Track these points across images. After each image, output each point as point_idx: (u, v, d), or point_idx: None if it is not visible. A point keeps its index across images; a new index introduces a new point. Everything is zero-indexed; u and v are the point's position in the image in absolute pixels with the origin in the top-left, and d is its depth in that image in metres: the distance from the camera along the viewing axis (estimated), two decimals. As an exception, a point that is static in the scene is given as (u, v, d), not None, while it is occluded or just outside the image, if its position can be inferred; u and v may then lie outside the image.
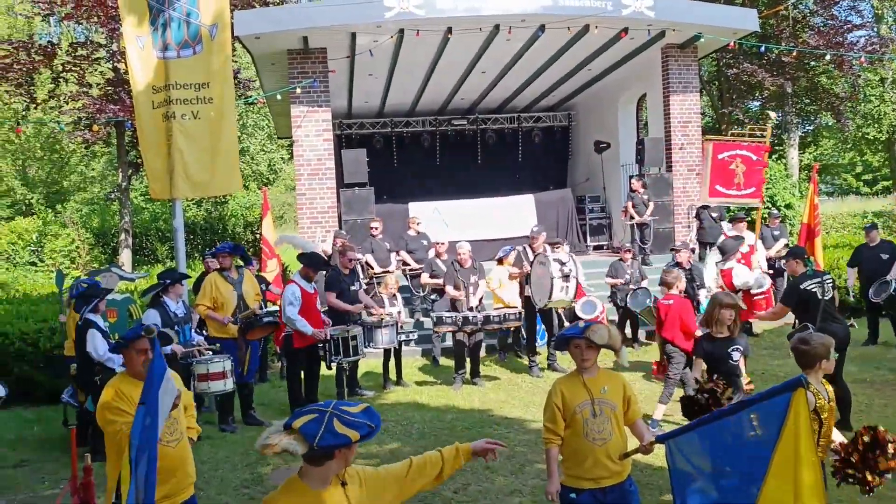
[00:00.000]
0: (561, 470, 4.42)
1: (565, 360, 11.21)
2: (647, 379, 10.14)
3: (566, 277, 9.71)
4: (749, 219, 13.13)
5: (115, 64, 19.11)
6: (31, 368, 10.15)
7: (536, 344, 10.87)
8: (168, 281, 7.96)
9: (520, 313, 10.27)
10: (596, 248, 17.46)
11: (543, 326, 11.11)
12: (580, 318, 10.41)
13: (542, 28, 13.42)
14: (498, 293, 10.65)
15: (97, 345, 7.26)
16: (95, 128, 17.26)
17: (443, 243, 11.43)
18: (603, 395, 4.31)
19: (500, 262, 11.06)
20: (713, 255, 11.49)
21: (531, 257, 10.62)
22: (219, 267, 9.09)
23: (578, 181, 19.67)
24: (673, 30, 14.37)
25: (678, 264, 10.34)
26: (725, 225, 13.38)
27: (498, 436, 7.93)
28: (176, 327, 7.77)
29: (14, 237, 21.82)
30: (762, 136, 13.42)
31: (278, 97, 14.51)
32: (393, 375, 10.58)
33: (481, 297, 10.51)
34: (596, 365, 4.38)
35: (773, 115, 14.98)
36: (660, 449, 3.87)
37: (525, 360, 11.28)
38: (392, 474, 3.21)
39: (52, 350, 10.25)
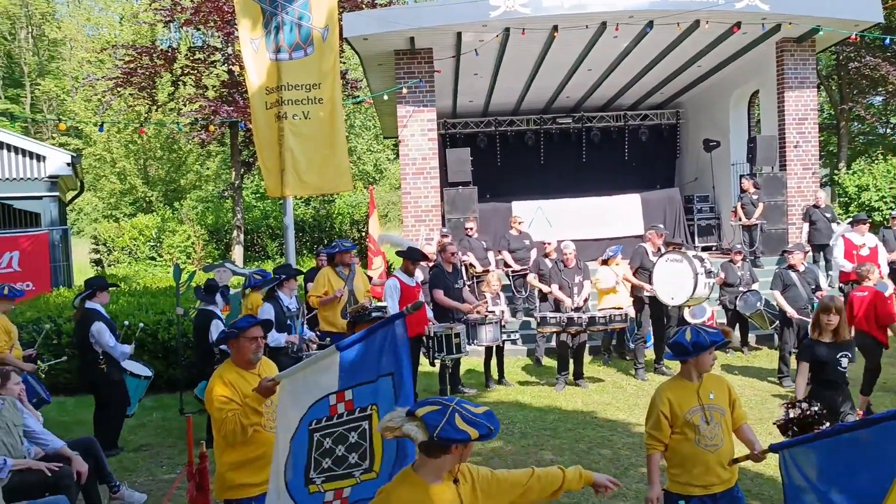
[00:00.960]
0: (666, 476, 4.34)
1: (672, 364, 10.98)
2: (761, 379, 9.85)
3: (709, 273, 9.57)
4: (871, 220, 12.52)
5: (230, 67, 19.83)
6: (151, 358, 10.64)
7: (644, 346, 10.66)
8: (284, 276, 8.20)
9: (625, 315, 10.11)
10: (704, 248, 16.96)
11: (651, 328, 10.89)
12: (688, 323, 10.19)
13: (650, 24, 13.15)
14: (605, 294, 10.53)
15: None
16: (211, 128, 17.96)
17: (550, 243, 11.35)
18: (711, 400, 4.20)
19: (606, 262, 10.93)
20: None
21: (651, 256, 10.44)
22: (333, 262, 9.28)
23: (686, 180, 19.19)
24: (789, 23, 13.81)
25: (791, 266, 9.95)
26: (841, 227, 12.81)
27: (601, 438, 7.85)
28: (289, 321, 8.01)
29: (135, 233, 22.92)
30: None
31: (385, 97, 14.73)
32: (495, 374, 10.58)
33: (586, 298, 10.39)
34: None
35: None
36: (771, 458, 3.75)
37: (631, 362, 11.10)
38: (511, 480, 3.19)
39: (169, 341, 10.74)
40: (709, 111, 18.51)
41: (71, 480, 5.66)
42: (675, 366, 10.46)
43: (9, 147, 16.24)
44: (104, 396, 8.14)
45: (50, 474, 5.55)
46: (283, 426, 3.89)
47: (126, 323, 10.06)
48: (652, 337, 10.74)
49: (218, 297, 8.44)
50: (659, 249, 10.54)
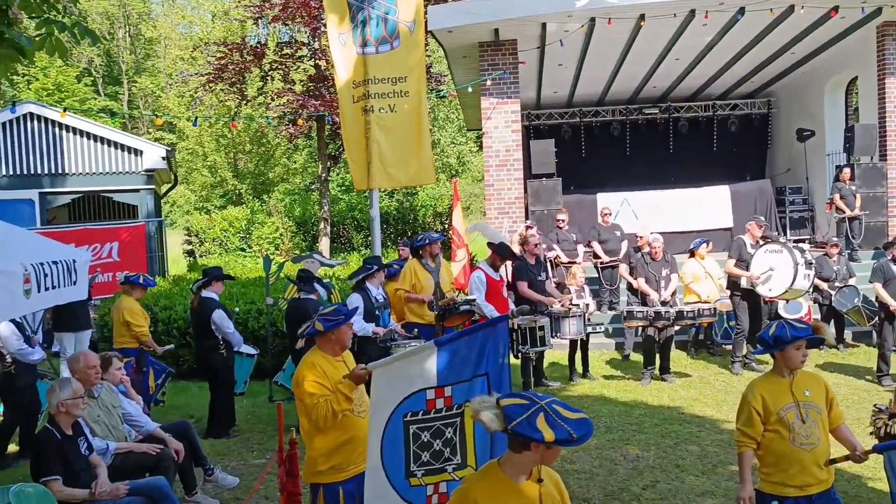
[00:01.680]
0: (758, 475, 4.23)
1: (762, 359, 10.70)
2: (858, 377, 9.50)
3: (809, 265, 9.31)
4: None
5: (317, 61, 20.16)
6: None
7: (744, 339, 10.39)
8: (374, 267, 8.34)
9: (713, 309, 9.89)
10: (797, 241, 16.43)
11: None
12: (782, 318, 9.89)
13: (741, 11, 12.77)
14: (693, 287, 10.31)
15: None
16: (299, 122, 18.30)
17: (643, 236, 11.18)
18: (807, 397, 4.07)
19: (693, 254, 10.72)
20: None
21: (749, 248, 10.18)
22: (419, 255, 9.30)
23: (778, 171, 18.59)
24: (891, 6, 13.20)
25: (894, 259, 9.54)
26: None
27: (688, 434, 7.72)
28: (377, 311, 8.13)
29: (226, 224, 23.56)
30: None
31: (469, 90, 14.76)
32: (579, 368, 10.51)
33: (674, 292, 10.20)
34: None
35: None
36: (871, 460, 3.61)
37: (719, 358, 10.86)
38: None
39: (259, 330, 11.03)
40: (802, 100, 17.88)
41: (170, 462, 5.89)
42: (765, 361, 10.24)
43: (109, 142, 16.93)
44: (221, 381, 8.54)
45: (154, 454, 5.82)
46: (377, 417, 3.98)
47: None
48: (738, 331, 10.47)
49: (319, 287, 8.68)
50: (758, 241, 10.27)
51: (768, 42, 14.86)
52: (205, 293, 8.45)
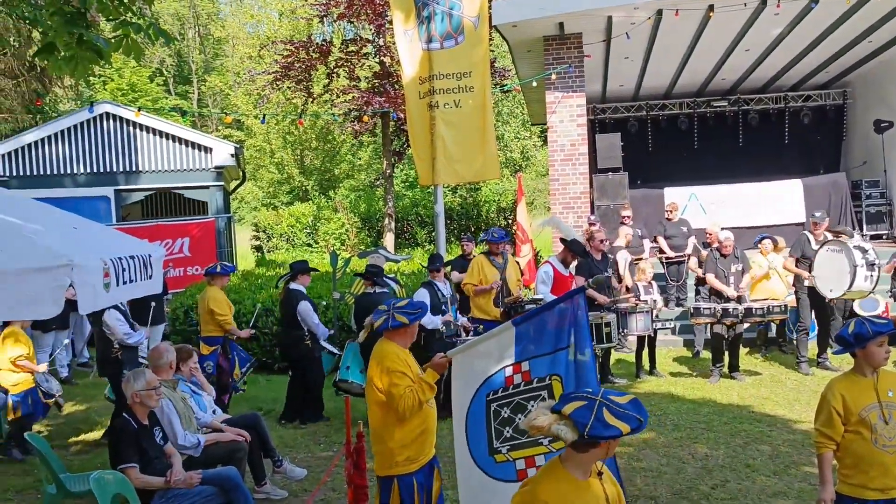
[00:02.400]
0: (838, 477, 4.11)
1: (835, 359, 10.41)
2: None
3: (871, 266, 9.02)
4: None
5: (381, 58, 20.29)
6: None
7: (807, 338, 10.14)
8: (440, 264, 8.47)
9: (785, 306, 9.64)
10: (873, 237, 15.91)
11: (815, 320, 10.33)
12: (857, 315, 9.60)
13: (815, 0, 12.40)
14: (761, 283, 10.08)
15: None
16: (365, 118, 18.44)
17: (713, 232, 10.97)
18: (891, 398, 3.93)
19: (775, 245, 10.51)
20: None
21: (814, 245, 9.92)
22: (486, 251, 9.25)
23: (854, 164, 17.98)
24: (976, -9, 12.67)
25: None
26: None
27: (759, 433, 7.56)
28: (443, 306, 8.18)
29: (293, 220, 23.93)
30: None
31: (534, 84, 14.66)
32: (646, 364, 10.38)
33: (743, 288, 9.98)
34: None
35: None
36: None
37: (790, 356, 10.59)
38: None
39: (325, 324, 11.17)
40: (880, 90, 17.26)
41: (243, 453, 6.03)
42: (839, 361, 9.95)
43: (180, 140, 17.35)
44: (305, 371, 8.82)
45: (241, 440, 6.06)
46: (459, 401, 4.05)
47: (258, 307, 10.62)
48: (816, 328, 10.20)
49: (392, 283, 8.81)
50: (824, 238, 9.99)
51: (844, 30, 14.38)
52: (292, 285, 8.82)
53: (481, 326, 8.47)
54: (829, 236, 10.14)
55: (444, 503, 4.77)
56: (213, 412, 6.56)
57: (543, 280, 8.81)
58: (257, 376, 11.15)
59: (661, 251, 12.45)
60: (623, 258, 10.98)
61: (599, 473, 2.91)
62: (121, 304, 8.14)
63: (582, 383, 3.83)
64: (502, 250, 8.90)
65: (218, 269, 9.16)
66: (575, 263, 9.99)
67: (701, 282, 10.70)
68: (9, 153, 16.65)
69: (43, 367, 8.24)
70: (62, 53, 5.86)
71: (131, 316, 10.36)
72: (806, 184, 15.69)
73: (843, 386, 4.04)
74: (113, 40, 5.91)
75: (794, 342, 10.44)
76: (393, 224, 21.33)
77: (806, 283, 9.91)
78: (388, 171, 21.37)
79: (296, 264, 9.16)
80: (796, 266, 10.13)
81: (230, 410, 8.83)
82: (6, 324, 8.14)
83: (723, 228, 10.48)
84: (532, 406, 3.90)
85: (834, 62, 16.73)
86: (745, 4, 12.62)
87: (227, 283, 12.52)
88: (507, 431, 3.96)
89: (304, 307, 8.64)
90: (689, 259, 11.86)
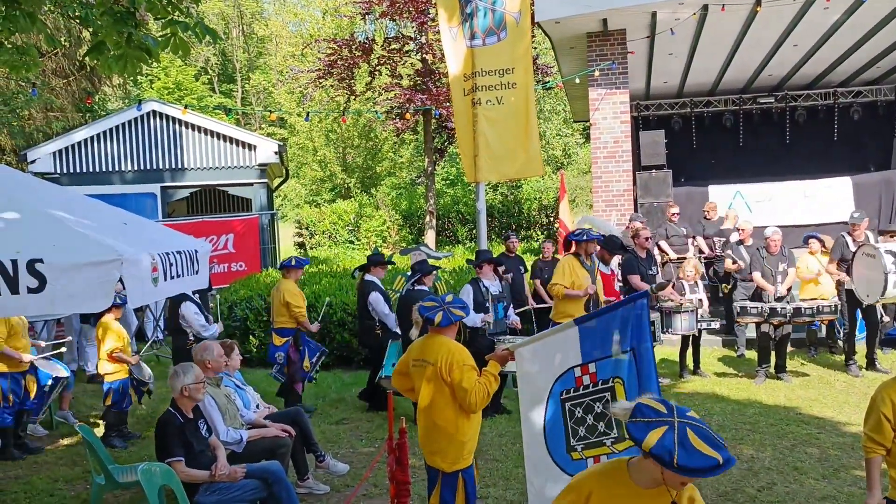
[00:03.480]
0: (888, 482, 4.01)
1: (886, 360, 10.19)
2: None
3: None
4: None
5: (423, 55, 20.33)
6: (350, 336, 11.18)
7: (855, 339, 9.92)
8: (487, 259, 8.58)
9: (835, 306, 9.44)
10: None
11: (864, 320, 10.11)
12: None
13: (866, -7, 12.14)
14: (808, 281, 9.90)
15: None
16: (407, 116, 18.50)
17: (744, 229, 10.82)
18: (942, 403, 3.83)
19: (823, 246, 10.31)
20: None
21: (852, 247, 9.72)
22: (575, 251, 8.65)
23: (905, 162, 17.60)
24: None
25: None
26: None
27: (807, 435, 7.42)
28: (486, 302, 8.16)
29: (335, 217, 24.12)
30: None
31: (577, 81, 14.57)
32: (690, 364, 10.25)
33: (790, 287, 9.81)
34: None
35: None
36: None
37: (839, 357, 10.38)
38: None
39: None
40: (933, 85, 16.86)
41: (287, 448, 6.09)
42: (889, 363, 9.73)
43: (225, 137, 17.57)
44: (372, 359, 9.10)
45: (285, 436, 6.14)
46: (528, 396, 4.16)
47: (328, 300, 10.71)
48: (865, 329, 9.97)
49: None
50: (866, 239, 9.75)
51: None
52: (367, 277, 9.09)
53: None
54: (872, 237, 9.92)
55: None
56: (257, 407, 6.63)
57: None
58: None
59: (700, 251, 12.28)
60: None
61: (673, 502, 2.66)
62: (196, 297, 8.47)
63: (644, 384, 3.88)
64: (592, 251, 8.46)
65: (293, 263, 9.30)
66: (617, 261, 9.92)
67: (724, 279, 10.62)
68: (59, 151, 17.02)
69: (135, 359, 8.51)
70: (112, 52, 5.96)
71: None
72: (856, 182, 15.37)
73: (893, 390, 3.94)
74: (161, 39, 5.99)
75: (843, 343, 10.23)
76: (434, 221, 21.37)
77: (846, 286, 9.71)
78: (430, 169, 21.41)
79: (372, 256, 9.41)
80: (837, 269, 9.94)
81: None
82: (101, 314, 8.41)
83: (756, 227, 10.32)
84: (598, 407, 4.01)
85: (885, 57, 16.33)
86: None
87: (269, 282, 12.69)
88: (581, 431, 4.07)
89: (375, 297, 8.87)
90: (725, 259, 11.69)
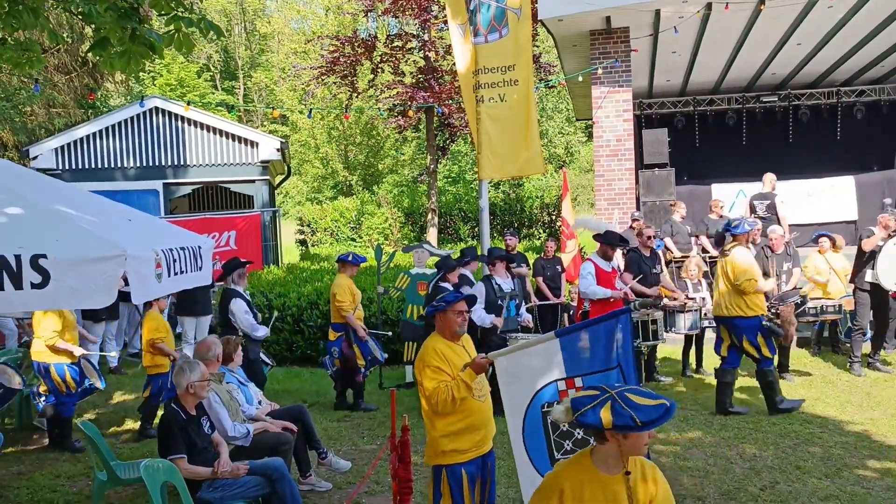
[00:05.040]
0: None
1: (887, 360, 10.17)
2: None
3: None
4: None
5: (426, 53, 20.28)
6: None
7: (863, 339, 9.89)
8: (497, 257, 8.52)
9: (839, 306, 9.42)
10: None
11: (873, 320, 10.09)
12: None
13: (871, -8, 12.12)
14: (817, 282, 9.88)
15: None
16: (409, 113, 18.43)
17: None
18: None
19: (833, 244, 10.29)
20: None
21: (880, 241, 9.68)
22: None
23: (909, 161, 17.57)
24: None
25: None
26: None
27: (809, 434, 7.41)
28: (500, 301, 8.13)
29: (337, 215, 24.06)
30: None
31: (580, 79, 14.57)
32: (693, 363, 10.23)
33: (795, 286, 9.78)
34: None
35: None
36: None
37: (842, 356, 10.36)
38: None
39: (370, 318, 11.22)
40: (937, 85, 16.83)
41: (289, 445, 6.09)
42: (891, 362, 9.71)
43: (227, 134, 17.55)
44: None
45: (288, 432, 6.13)
46: (512, 407, 4.10)
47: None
48: (872, 329, 9.96)
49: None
50: (891, 234, 9.74)
51: (900, 23, 14.04)
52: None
53: None
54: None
55: (494, 497, 4.79)
56: (259, 403, 6.62)
57: (584, 277, 8.71)
58: (301, 369, 11.27)
59: (705, 249, 12.26)
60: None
61: (627, 472, 2.88)
62: (246, 294, 8.50)
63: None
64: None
65: (350, 259, 9.26)
66: (620, 257, 9.90)
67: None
68: (61, 147, 17.00)
69: (177, 354, 8.47)
70: (115, 48, 5.95)
71: (178, 307, 10.57)
72: (858, 180, 15.36)
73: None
74: (164, 35, 5.98)
75: (849, 343, 10.20)
76: (436, 219, 21.33)
77: (867, 278, 9.64)
78: (432, 167, 21.37)
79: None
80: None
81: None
82: (148, 304, 8.50)
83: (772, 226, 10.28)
84: None
85: (889, 56, 16.31)
86: (798, -3, 12.39)
87: (270, 279, 12.69)
88: (567, 444, 4.03)
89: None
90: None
